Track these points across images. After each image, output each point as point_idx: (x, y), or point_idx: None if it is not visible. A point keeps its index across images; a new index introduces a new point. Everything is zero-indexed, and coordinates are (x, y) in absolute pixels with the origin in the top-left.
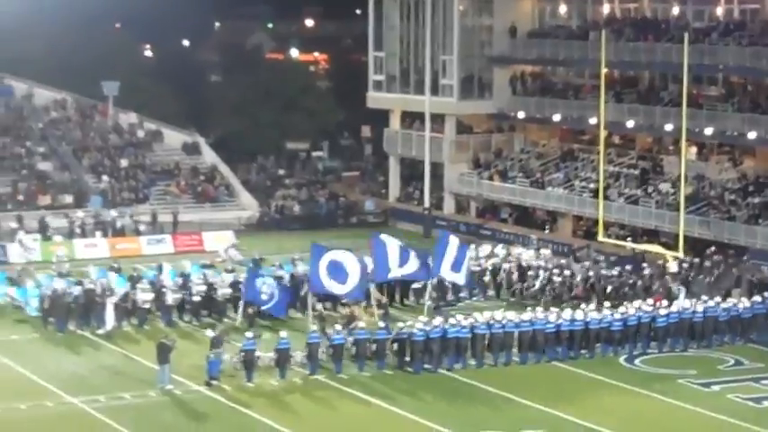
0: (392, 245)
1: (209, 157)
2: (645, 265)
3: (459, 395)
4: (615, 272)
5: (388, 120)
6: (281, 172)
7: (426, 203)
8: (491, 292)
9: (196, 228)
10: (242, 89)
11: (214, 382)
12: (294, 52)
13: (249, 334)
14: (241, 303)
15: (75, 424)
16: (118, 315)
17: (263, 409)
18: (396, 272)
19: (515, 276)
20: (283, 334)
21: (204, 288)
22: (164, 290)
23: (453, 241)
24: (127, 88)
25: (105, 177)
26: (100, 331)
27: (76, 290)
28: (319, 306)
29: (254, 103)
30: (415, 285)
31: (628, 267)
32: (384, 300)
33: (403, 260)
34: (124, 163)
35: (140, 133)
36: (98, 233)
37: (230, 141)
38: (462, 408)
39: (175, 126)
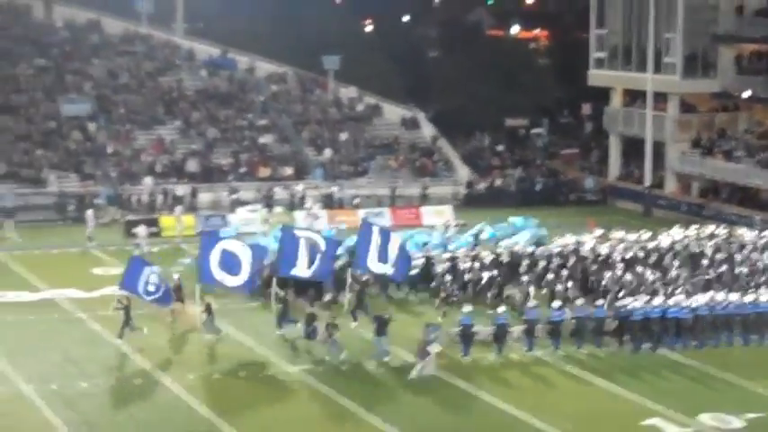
0: (304, 242)
1: (427, 131)
2: None
3: (679, 376)
4: None
5: (609, 97)
6: (500, 148)
7: (647, 182)
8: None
9: (414, 202)
10: (461, 65)
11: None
12: (514, 29)
13: (467, 308)
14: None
15: (293, 391)
16: (336, 286)
17: (480, 383)
18: (301, 271)
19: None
20: (501, 309)
21: (422, 261)
22: None
23: (376, 231)
24: (347, 63)
25: (327, 150)
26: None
27: None
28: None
29: (474, 80)
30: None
31: None
32: (282, 294)
33: (311, 261)
34: (344, 137)
35: (360, 107)
36: (318, 205)
37: (448, 117)
38: (682, 388)
39: (395, 101)
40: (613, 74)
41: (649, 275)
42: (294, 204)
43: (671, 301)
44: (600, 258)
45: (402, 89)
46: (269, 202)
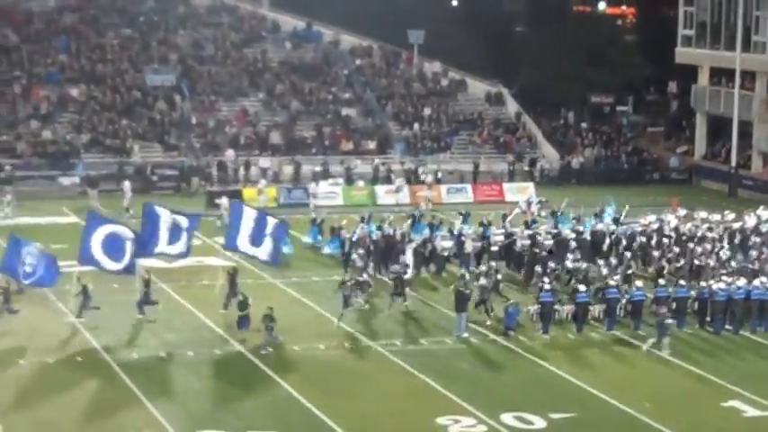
0: (165, 218)
1: (512, 107)
2: None
3: (761, 358)
4: None
5: (696, 75)
6: (584, 125)
7: (733, 162)
8: None
9: (497, 178)
10: (547, 41)
11: (511, 333)
12: (601, 5)
13: (546, 286)
14: None
15: (372, 365)
16: (416, 261)
17: (558, 361)
18: (163, 248)
19: None
20: (582, 287)
21: (503, 238)
22: (463, 238)
23: (248, 213)
24: (432, 37)
25: (416, 125)
26: None
27: (376, 235)
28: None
29: (559, 56)
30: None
31: None
32: (148, 276)
33: (173, 237)
34: (427, 111)
35: (444, 82)
36: (400, 180)
37: (533, 93)
38: (763, 371)
39: (479, 76)
40: (701, 52)
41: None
42: (377, 178)
43: (756, 282)
44: (683, 238)
45: (487, 64)
46: (350, 176)
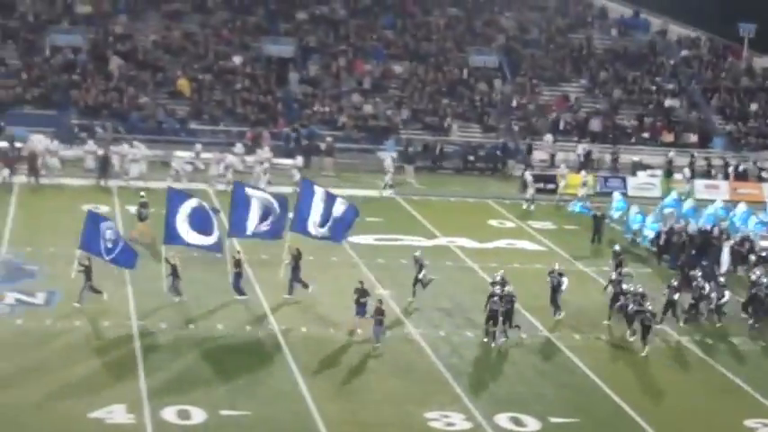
0: (256, 198)
1: None
2: None
3: None
4: None
5: None
6: None
7: None
8: None
9: None
10: None
11: None
12: None
13: None
14: (78, 252)
15: (681, 361)
16: (733, 259)
17: None
18: (254, 228)
19: None
20: None
21: None
22: None
23: (318, 192)
24: (764, 31)
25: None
26: None
27: (692, 228)
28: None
29: None
30: None
31: None
32: (240, 256)
33: (264, 216)
34: (754, 107)
35: None
36: (720, 175)
37: None
38: None
39: None
40: None
41: None
42: (693, 172)
43: None
44: None
45: None
46: (669, 168)
